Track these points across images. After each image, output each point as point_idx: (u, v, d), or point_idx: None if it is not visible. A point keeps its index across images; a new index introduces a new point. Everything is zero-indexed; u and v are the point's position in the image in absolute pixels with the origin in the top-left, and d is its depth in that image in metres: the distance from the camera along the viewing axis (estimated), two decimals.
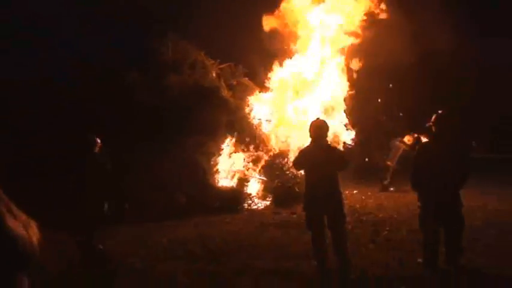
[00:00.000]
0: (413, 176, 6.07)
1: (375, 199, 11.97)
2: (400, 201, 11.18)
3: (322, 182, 6.12)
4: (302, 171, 7.03)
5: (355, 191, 12.98)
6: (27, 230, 2.15)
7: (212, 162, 11.91)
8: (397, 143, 13.18)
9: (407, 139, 13.03)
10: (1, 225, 1.73)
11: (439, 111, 6.04)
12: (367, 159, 15.56)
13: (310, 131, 6.31)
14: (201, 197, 10.78)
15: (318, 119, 6.56)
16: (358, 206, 10.87)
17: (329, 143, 6.35)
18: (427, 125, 6.13)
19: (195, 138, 11.47)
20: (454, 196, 5.90)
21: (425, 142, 6.26)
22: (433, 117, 6.04)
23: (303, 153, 6.43)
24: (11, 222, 1.76)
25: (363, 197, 12.25)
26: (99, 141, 6.64)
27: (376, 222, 9.08)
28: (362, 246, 7.21)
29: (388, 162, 13.37)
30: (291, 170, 11.39)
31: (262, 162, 12.09)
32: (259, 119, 12.46)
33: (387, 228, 8.42)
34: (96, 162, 6.49)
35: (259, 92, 12.68)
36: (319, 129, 6.25)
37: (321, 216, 6.18)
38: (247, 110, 12.45)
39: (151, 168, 10.62)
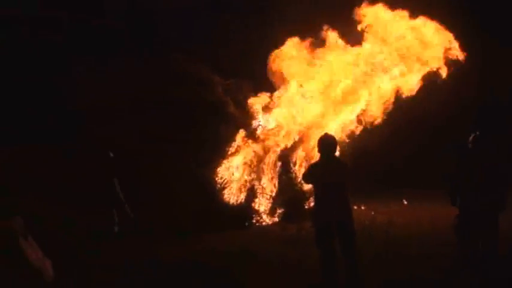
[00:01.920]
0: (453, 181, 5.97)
1: (385, 215, 11.76)
2: (412, 217, 10.99)
3: (332, 198, 6.03)
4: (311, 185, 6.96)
5: (362, 207, 12.76)
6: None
7: (220, 178, 11.82)
8: None
9: None
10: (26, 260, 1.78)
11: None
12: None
13: (318, 146, 6.28)
14: (209, 213, 10.68)
15: (326, 133, 6.53)
16: (367, 222, 10.68)
17: (338, 157, 6.28)
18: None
19: (203, 154, 11.44)
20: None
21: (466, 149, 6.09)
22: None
23: (312, 168, 6.40)
24: (33, 255, 1.78)
25: (372, 213, 12.06)
26: None
27: (386, 239, 8.92)
28: (371, 265, 7.05)
29: None
30: (300, 184, 11.28)
31: (271, 177, 11.97)
32: (268, 133, 12.27)
33: (398, 246, 8.26)
34: None
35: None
36: (327, 144, 6.21)
37: (330, 233, 6.07)
38: (254, 124, 12.35)
39: (159, 184, 10.59)
